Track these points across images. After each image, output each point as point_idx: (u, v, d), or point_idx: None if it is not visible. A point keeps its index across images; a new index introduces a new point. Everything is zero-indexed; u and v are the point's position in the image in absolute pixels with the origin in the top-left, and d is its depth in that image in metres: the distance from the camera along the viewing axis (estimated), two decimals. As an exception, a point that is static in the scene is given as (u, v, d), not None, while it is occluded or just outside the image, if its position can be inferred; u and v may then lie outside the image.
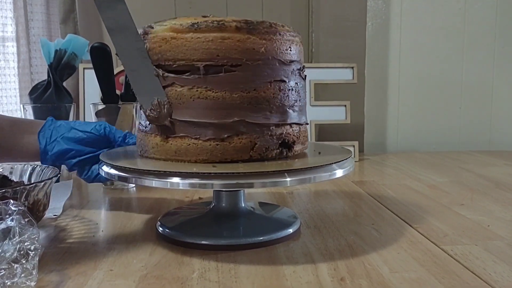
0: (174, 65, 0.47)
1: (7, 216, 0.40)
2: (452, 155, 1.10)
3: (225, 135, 0.47)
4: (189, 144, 0.47)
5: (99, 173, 0.59)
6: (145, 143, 0.51)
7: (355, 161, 1.02)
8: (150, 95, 0.48)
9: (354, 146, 1.02)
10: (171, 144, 0.48)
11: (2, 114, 0.65)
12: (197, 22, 0.46)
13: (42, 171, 0.56)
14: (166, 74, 0.47)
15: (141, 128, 0.52)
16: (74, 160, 0.60)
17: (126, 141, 0.62)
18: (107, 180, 0.63)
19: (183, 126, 0.47)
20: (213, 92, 0.46)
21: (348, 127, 1.07)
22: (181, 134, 0.48)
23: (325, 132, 1.10)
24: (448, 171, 0.91)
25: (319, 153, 0.55)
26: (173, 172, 0.44)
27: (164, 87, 0.48)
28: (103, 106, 0.74)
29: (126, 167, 0.47)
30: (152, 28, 0.48)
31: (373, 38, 1.18)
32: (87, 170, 0.61)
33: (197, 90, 0.47)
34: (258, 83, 0.47)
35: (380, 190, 0.75)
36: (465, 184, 0.78)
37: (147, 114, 0.49)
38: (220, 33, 0.46)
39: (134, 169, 0.46)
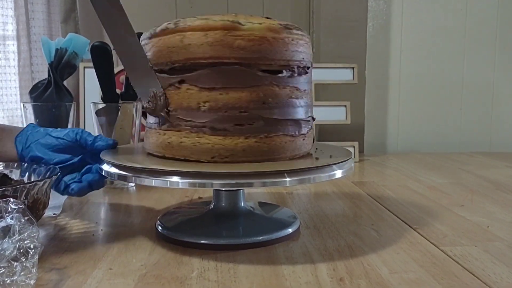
0: (274, 65, 0.47)
1: (7, 214, 0.40)
2: (453, 156, 1.10)
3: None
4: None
5: (68, 186, 0.55)
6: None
7: (355, 162, 1.02)
8: (147, 87, 0.49)
9: (354, 146, 1.02)
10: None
11: None
12: (288, 24, 0.48)
13: (42, 169, 0.56)
14: (261, 73, 0.47)
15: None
16: None
17: (96, 144, 0.56)
18: (80, 195, 0.57)
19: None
20: (300, 92, 0.50)
21: (348, 128, 1.07)
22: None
23: (325, 132, 1.10)
24: (448, 172, 0.91)
25: (317, 158, 0.54)
26: (172, 171, 0.44)
27: (256, 86, 0.47)
28: (103, 105, 0.74)
29: (125, 166, 0.47)
30: (242, 25, 0.46)
31: (374, 39, 1.18)
32: (58, 181, 0.56)
33: (290, 90, 0.48)
34: None
35: (380, 191, 0.75)
36: (465, 186, 0.78)
37: (145, 106, 0.49)
38: (302, 36, 0.49)
39: (134, 167, 0.46)
